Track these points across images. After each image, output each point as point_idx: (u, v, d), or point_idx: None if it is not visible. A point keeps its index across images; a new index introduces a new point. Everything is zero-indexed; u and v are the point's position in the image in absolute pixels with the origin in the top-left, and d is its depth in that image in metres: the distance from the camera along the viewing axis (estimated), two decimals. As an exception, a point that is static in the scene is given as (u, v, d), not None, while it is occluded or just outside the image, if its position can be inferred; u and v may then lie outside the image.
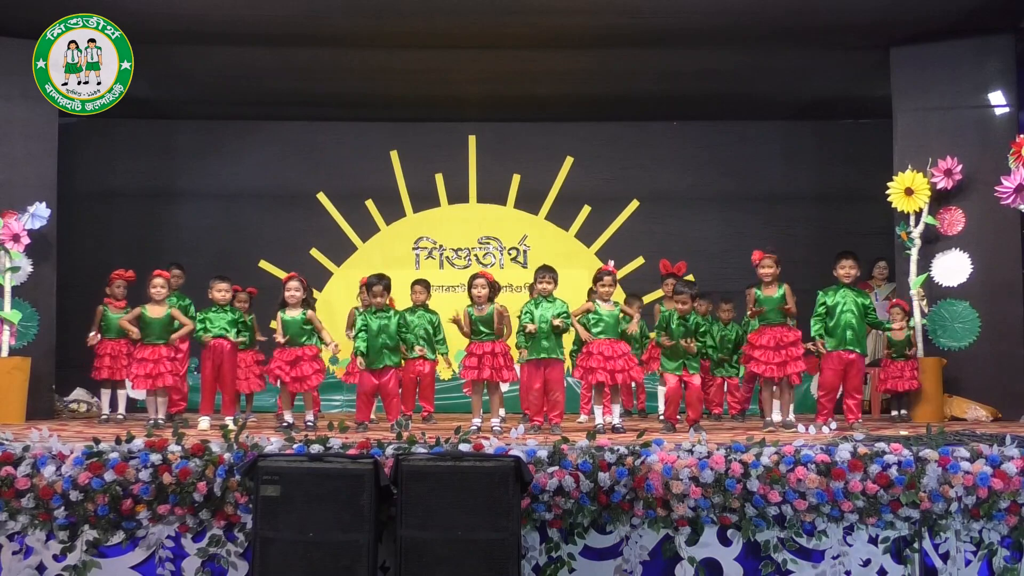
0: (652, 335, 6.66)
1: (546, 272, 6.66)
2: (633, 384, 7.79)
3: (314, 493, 4.11)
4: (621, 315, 6.83)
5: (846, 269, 6.58)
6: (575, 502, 4.43)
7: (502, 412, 7.14)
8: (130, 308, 7.58)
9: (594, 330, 6.57)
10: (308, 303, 6.96)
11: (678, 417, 6.65)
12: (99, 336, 7.71)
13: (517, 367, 6.84)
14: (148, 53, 6.88)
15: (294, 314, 6.76)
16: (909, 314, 7.60)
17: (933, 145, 7.86)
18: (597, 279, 6.77)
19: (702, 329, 6.59)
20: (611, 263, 7.00)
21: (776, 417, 7.06)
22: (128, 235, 9.80)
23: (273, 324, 6.98)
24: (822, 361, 6.66)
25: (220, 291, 6.83)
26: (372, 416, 7.05)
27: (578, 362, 6.81)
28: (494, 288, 6.68)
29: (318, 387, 7.27)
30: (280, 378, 6.75)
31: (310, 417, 6.89)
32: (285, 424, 6.79)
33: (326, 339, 6.83)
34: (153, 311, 6.89)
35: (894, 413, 7.75)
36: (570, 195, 10.13)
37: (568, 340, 6.99)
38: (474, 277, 6.69)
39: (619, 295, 9.23)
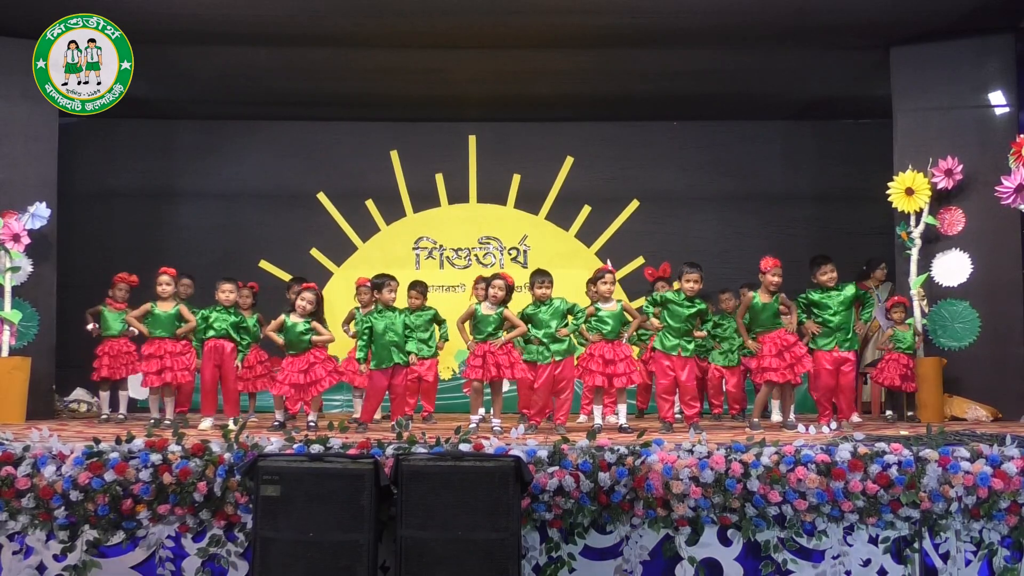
0: (652, 318, 6.65)
1: (543, 276, 6.68)
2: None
3: (314, 493, 4.11)
4: (626, 314, 6.83)
5: (828, 275, 6.58)
6: (575, 502, 4.43)
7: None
8: (129, 310, 7.62)
9: (604, 329, 6.61)
10: (315, 315, 6.92)
11: (677, 417, 6.66)
12: (98, 328, 7.73)
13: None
14: (148, 53, 6.88)
15: (295, 320, 6.72)
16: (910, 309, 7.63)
17: (933, 145, 7.86)
18: (597, 278, 6.79)
19: (708, 318, 6.59)
20: (609, 262, 7.00)
21: (776, 417, 7.08)
22: (128, 235, 9.80)
23: (268, 331, 6.88)
24: (815, 361, 6.66)
25: (224, 292, 6.88)
26: (376, 416, 7.05)
27: (579, 362, 6.83)
28: (510, 293, 6.68)
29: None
30: (295, 387, 6.62)
31: (312, 417, 6.89)
32: (276, 423, 6.79)
33: (315, 340, 6.78)
34: (162, 306, 7.03)
35: (909, 414, 7.58)
36: (570, 195, 10.13)
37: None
38: (495, 277, 6.70)
39: (619, 293, 9.29)
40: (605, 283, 6.73)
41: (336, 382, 7.00)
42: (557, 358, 6.56)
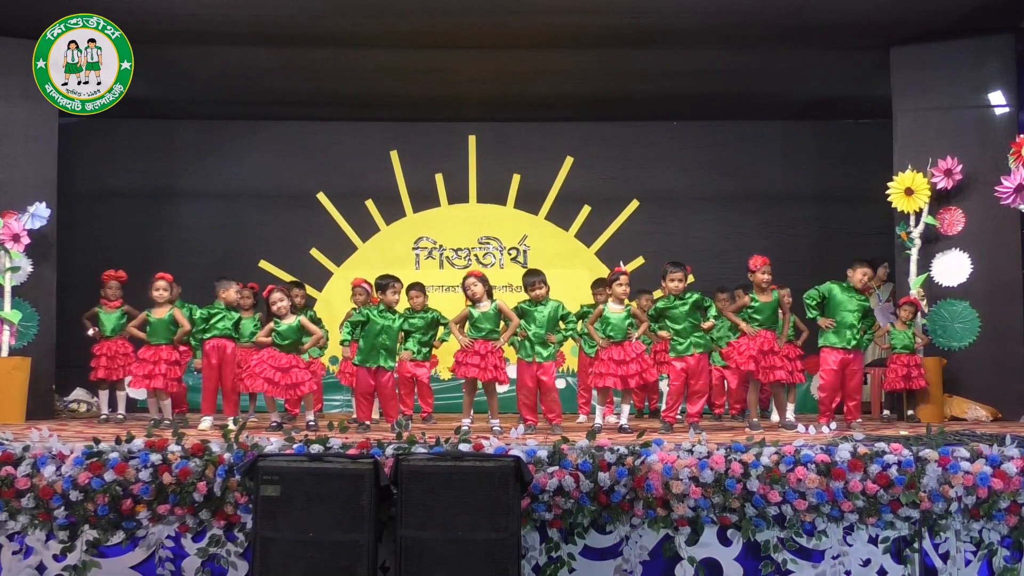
0: (659, 331, 6.65)
1: (534, 276, 6.67)
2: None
3: (314, 493, 4.11)
4: (632, 318, 6.79)
5: (864, 277, 6.67)
6: (575, 502, 4.43)
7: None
8: (124, 308, 7.65)
9: (609, 332, 6.60)
10: (297, 308, 6.94)
11: (678, 417, 6.66)
12: (98, 331, 7.74)
13: (511, 369, 6.89)
14: (148, 53, 6.88)
15: (289, 322, 6.71)
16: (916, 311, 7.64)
17: (933, 145, 7.86)
18: (612, 280, 6.75)
19: (707, 304, 6.57)
20: (622, 264, 6.98)
21: (775, 417, 7.08)
22: (128, 235, 9.80)
23: (260, 338, 6.83)
24: (820, 360, 6.68)
25: (232, 291, 6.90)
26: (375, 415, 7.05)
27: (593, 367, 6.79)
28: (486, 282, 6.66)
29: (319, 388, 7.29)
30: (269, 382, 6.60)
31: (311, 417, 6.89)
32: (273, 424, 6.80)
33: (303, 347, 6.73)
34: (156, 312, 7.05)
35: (909, 413, 7.54)
36: (570, 195, 10.13)
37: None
38: (464, 279, 6.69)
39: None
40: (620, 285, 6.66)
41: (315, 388, 6.99)
42: (539, 360, 6.54)
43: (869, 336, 6.77)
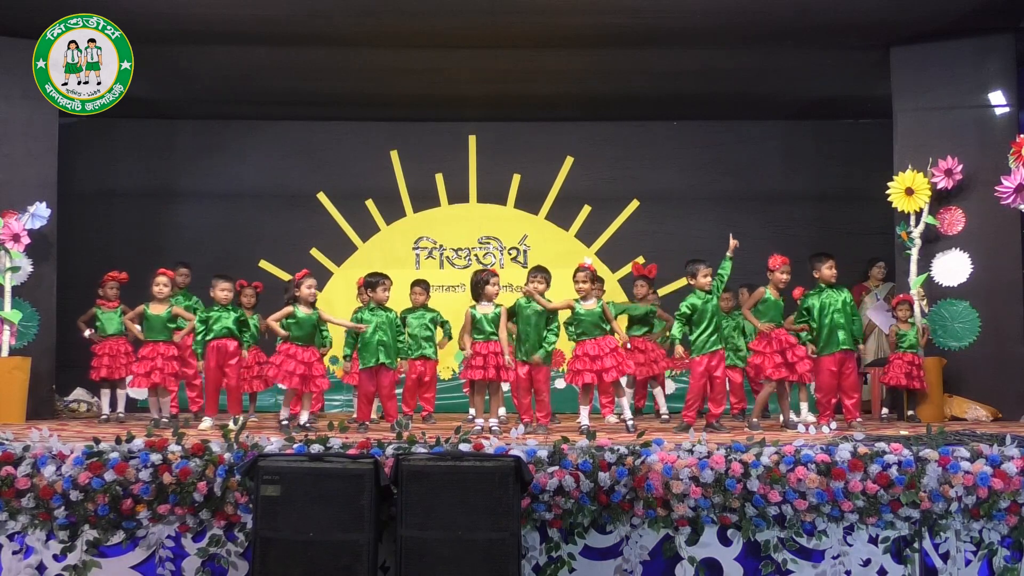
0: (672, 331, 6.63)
1: (537, 272, 6.65)
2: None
3: (314, 493, 4.12)
4: (602, 315, 6.69)
5: (832, 270, 6.67)
6: (575, 502, 4.43)
7: (502, 411, 7.14)
8: (123, 308, 7.64)
9: (571, 329, 6.63)
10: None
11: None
12: (95, 332, 7.73)
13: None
14: (148, 53, 6.88)
15: (308, 312, 6.68)
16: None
17: (933, 145, 7.85)
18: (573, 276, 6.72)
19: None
20: (586, 260, 6.89)
21: (792, 416, 7.08)
22: (129, 235, 9.80)
23: (271, 321, 6.77)
24: (817, 364, 6.68)
25: (224, 290, 6.85)
26: (373, 416, 7.05)
27: (568, 366, 6.77)
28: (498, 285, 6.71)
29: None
30: (294, 375, 6.56)
31: (305, 417, 6.84)
32: (283, 421, 6.77)
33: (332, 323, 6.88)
34: (155, 308, 7.06)
35: (909, 413, 7.49)
36: (570, 195, 10.12)
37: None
38: (491, 275, 6.67)
39: (618, 294, 9.29)
40: (577, 281, 6.61)
41: (328, 386, 7.00)
42: (525, 359, 6.52)
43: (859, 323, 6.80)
